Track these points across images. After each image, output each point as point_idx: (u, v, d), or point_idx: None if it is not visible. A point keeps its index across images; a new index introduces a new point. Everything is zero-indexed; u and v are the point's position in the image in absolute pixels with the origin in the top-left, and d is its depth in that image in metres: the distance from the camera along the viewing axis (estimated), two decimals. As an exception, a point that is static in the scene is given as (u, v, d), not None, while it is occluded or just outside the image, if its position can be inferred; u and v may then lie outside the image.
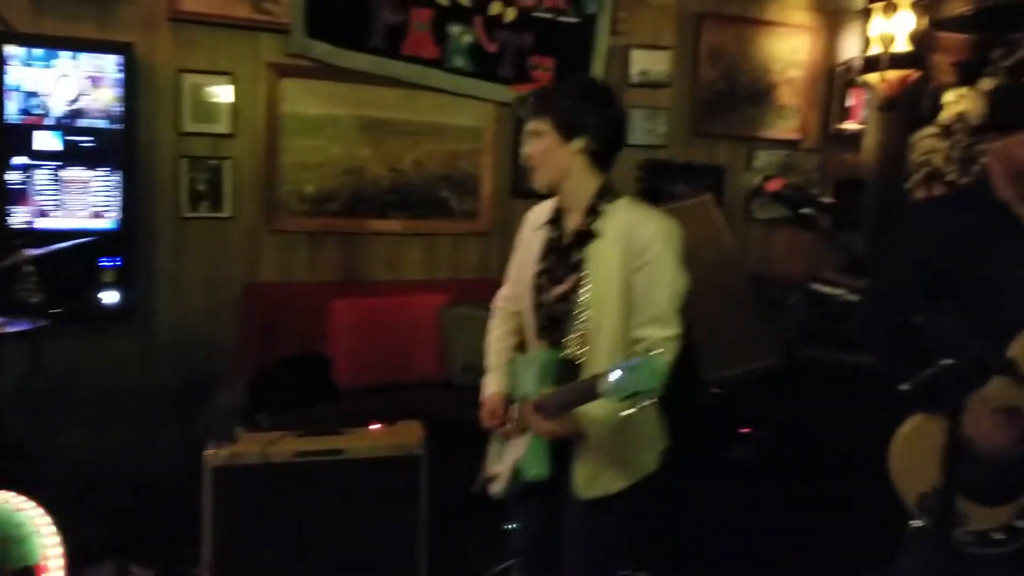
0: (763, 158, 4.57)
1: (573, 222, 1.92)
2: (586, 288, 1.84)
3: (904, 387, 1.21)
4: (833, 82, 4.64)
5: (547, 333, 1.94)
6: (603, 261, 1.84)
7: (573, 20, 3.88)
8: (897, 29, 4.00)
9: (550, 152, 1.86)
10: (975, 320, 1.76)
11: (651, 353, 1.60)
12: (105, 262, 3.33)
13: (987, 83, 4.00)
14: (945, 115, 3.95)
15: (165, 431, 3.50)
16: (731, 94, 4.46)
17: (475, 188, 4.03)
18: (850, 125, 4.69)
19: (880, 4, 4.03)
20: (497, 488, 2.02)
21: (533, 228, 2.02)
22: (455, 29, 3.64)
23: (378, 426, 2.94)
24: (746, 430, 3.50)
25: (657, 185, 4.25)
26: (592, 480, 1.89)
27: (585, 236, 1.88)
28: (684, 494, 3.07)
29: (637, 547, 2.36)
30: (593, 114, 1.85)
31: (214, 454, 2.60)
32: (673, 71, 4.30)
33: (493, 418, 2.00)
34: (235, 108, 3.56)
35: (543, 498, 1.98)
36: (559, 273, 1.91)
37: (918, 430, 1.76)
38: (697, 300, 3.90)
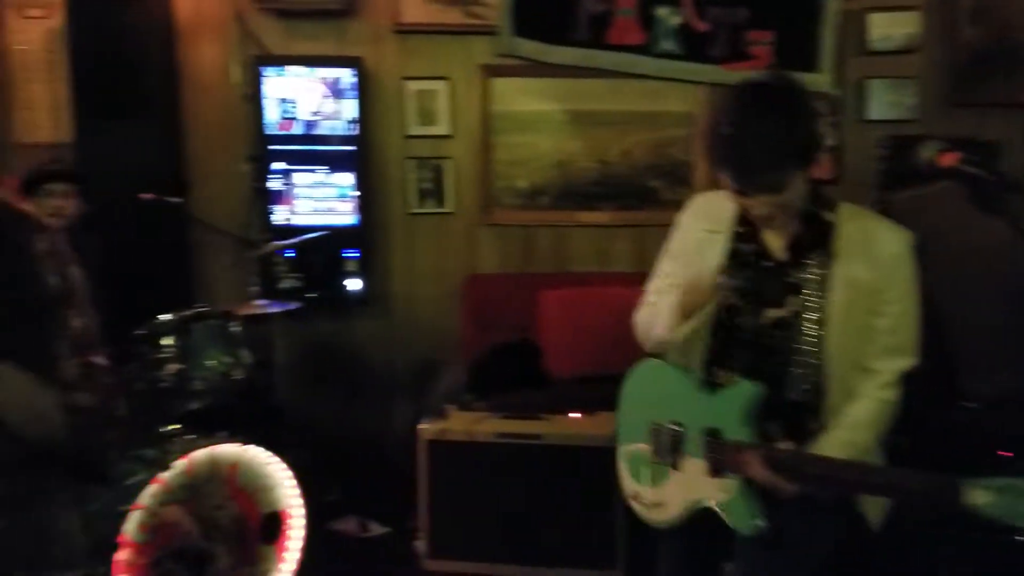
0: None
1: (784, 232, 1.63)
2: (815, 316, 1.57)
3: None
4: None
5: (749, 363, 1.65)
6: (839, 284, 1.56)
7: (795, -13, 3.55)
8: None
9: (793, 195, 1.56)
10: None
11: None
12: (348, 254, 3.78)
13: None
14: None
15: (401, 406, 3.89)
16: (1002, 55, 3.76)
17: (686, 176, 3.87)
18: None
19: None
20: (663, 517, 1.77)
21: (708, 229, 1.73)
22: (662, 11, 3.50)
23: (577, 415, 3.02)
24: (1007, 454, 2.96)
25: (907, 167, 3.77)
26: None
27: (808, 252, 1.60)
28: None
29: None
30: (816, 130, 1.55)
31: (427, 428, 2.90)
32: (922, 33, 3.77)
33: None
34: (452, 110, 3.82)
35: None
36: (769, 294, 1.63)
37: None
38: (956, 299, 3.43)
